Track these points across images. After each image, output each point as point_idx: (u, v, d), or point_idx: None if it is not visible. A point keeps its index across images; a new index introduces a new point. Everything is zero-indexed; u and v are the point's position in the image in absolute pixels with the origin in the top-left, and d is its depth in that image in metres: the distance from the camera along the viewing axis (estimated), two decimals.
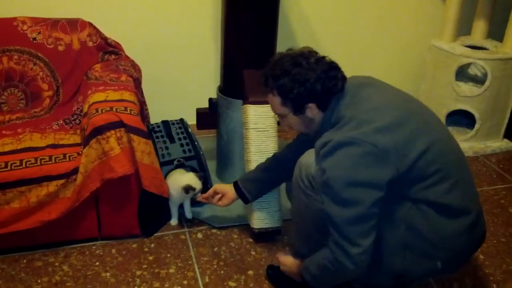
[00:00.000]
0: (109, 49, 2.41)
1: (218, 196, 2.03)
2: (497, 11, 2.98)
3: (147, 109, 2.48)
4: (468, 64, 2.90)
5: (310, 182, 1.56)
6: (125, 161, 1.90)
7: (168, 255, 2.04)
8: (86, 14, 2.42)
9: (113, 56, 2.42)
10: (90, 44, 2.36)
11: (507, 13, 2.82)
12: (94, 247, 2.06)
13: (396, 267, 1.54)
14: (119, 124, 1.88)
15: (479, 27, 3.01)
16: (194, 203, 2.21)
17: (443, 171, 1.47)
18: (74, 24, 2.35)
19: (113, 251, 2.05)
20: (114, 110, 1.92)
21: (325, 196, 1.46)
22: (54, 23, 2.33)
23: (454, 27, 2.92)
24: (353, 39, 3.04)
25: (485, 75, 2.79)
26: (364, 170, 1.40)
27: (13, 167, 1.87)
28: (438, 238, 1.50)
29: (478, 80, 2.90)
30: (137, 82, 2.32)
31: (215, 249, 2.08)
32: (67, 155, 1.97)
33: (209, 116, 2.48)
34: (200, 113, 2.53)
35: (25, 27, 2.29)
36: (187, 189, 2.05)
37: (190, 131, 2.37)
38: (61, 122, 2.24)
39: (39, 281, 1.88)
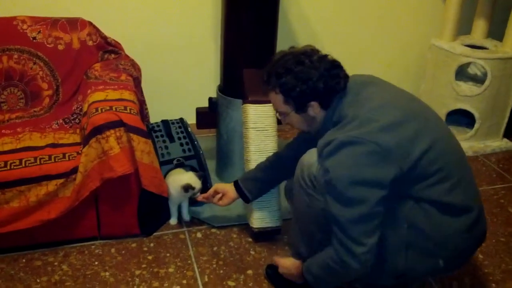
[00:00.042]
0: (109, 48, 2.41)
1: (219, 195, 2.02)
2: (497, 10, 2.98)
3: (146, 109, 2.48)
4: (468, 64, 2.90)
5: (312, 181, 1.56)
6: (124, 161, 1.90)
7: (168, 254, 2.04)
8: (86, 14, 2.42)
9: (112, 55, 2.42)
10: (90, 43, 2.36)
11: (507, 12, 2.81)
12: (93, 246, 2.07)
13: (399, 266, 1.54)
14: (118, 124, 1.88)
15: (479, 26, 3.01)
16: (194, 202, 2.21)
17: (445, 170, 1.47)
18: (74, 23, 2.35)
19: (113, 250, 2.05)
20: (114, 109, 1.92)
21: (329, 195, 1.45)
22: (54, 22, 2.33)
23: (454, 26, 2.92)
24: (353, 39, 3.04)
25: (485, 75, 2.79)
26: (368, 169, 1.40)
27: (12, 167, 1.87)
28: (441, 237, 1.50)
29: (478, 80, 2.90)
30: (137, 81, 2.32)
31: (215, 248, 2.08)
32: (67, 155, 1.97)
33: (209, 116, 2.48)
34: (200, 112, 2.53)
35: (25, 26, 2.29)
36: (187, 188, 2.05)
37: (189, 130, 2.37)
38: (61, 121, 2.24)
39: (38, 280, 1.88)
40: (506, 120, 2.98)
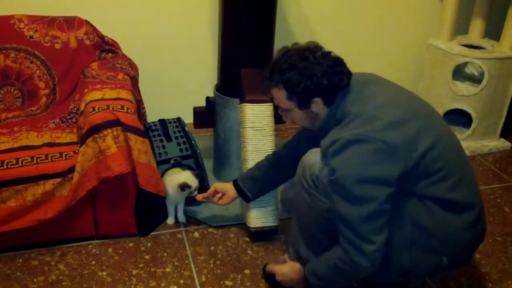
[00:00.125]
0: (106, 48, 2.41)
1: (219, 195, 2.02)
2: (494, 10, 2.98)
3: (144, 108, 2.48)
4: (465, 63, 2.90)
5: (314, 181, 1.56)
6: (121, 160, 1.89)
7: (165, 254, 2.04)
8: (84, 13, 2.42)
9: (110, 55, 2.41)
10: (87, 42, 2.36)
11: (504, 12, 2.82)
12: (90, 246, 2.06)
13: (404, 263, 1.54)
14: (115, 123, 1.88)
15: (476, 26, 3.01)
16: (191, 202, 2.21)
17: (447, 168, 1.48)
18: (71, 22, 2.34)
19: (110, 250, 2.04)
20: (111, 108, 1.91)
21: (336, 195, 1.45)
22: (51, 21, 2.32)
23: (452, 26, 2.92)
24: (352, 39, 3.04)
25: (482, 74, 2.79)
26: (375, 166, 1.40)
27: (9, 166, 1.87)
28: (444, 234, 1.51)
29: (475, 79, 2.91)
30: (134, 80, 2.32)
31: (212, 248, 2.08)
32: (64, 154, 1.97)
33: (206, 115, 2.48)
34: (197, 111, 2.53)
35: (22, 25, 2.29)
36: (183, 186, 2.05)
37: (187, 129, 2.37)
38: (58, 120, 2.24)
39: (35, 280, 1.88)
40: (503, 120, 2.98)
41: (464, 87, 2.86)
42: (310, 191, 1.58)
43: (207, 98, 2.46)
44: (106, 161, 1.87)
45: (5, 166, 1.86)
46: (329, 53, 1.57)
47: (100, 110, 1.90)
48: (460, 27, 3.01)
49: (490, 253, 2.11)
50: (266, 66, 1.63)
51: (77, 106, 2.22)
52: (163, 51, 2.75)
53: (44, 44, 2.30)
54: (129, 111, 1.93)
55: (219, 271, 1.96)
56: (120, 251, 2.04)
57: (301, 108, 1.59)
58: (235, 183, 1.99)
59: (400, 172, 1.41)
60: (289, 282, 1.77)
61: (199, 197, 2.07)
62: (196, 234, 2.16)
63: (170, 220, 2.21)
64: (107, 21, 2.51)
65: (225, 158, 2.43)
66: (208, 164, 2.44)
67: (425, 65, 3.06)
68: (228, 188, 2.00)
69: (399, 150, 1.40)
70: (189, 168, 2.20)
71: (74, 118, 2.24)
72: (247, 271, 1.96)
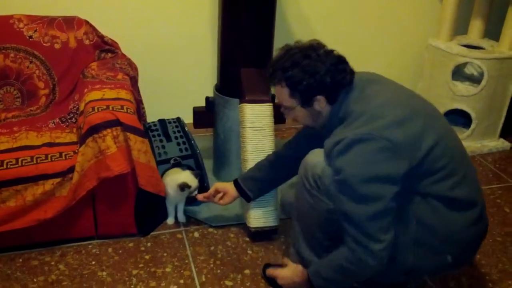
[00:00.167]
0: (105, 47, 2.40)
1: (220, 194, 2.02)
2: (494, 10, 2.99)
3: (143, 108, 2.48)
4: (465, 64, 2.90)
5: (316, 182, 1.56)
6: (121, 160, 1.89)
7: (165, 254, 2.03)
8: (83, 13, 2.42)
9: (109, 55, 2.41)
10: (87, 42, 2.36)
11: (504, 12, 2.82)
12: (90, 246, 2.06)
13: (408, 263, 1.54)
14: (115, 123, 1.88)
15: (476, 26, 3.01)
16: (191, 201, 2.21)
17: (451, 166, 1.48)
18: (70, 22, 2.34)
19: (110, 250, 2.04)
20: (111, 108, 1.91)
21: (342, 195, 1.45)
22: (50, 21, 2.32)
23: (451, 26, 2.92)
24: (352, 39, 3.04)
25: (481, 75, 2.79)
26: (381, 165, 1.41)
27: (9, 166, 1.86)
28: (448, 232, 1.51)
29: (475, 80, 2.91)
30: (134, 80, 2.31)
31: (212, 248, 2.08)
32: (63, 154, 1.97)
33: (206, 115, 2.48)
34: (197, 111, 2.53)
35: (21, 25, 2.28)
36: (183, 186, 2.05)
37: (186, 129, 2.37)
38: (57, 120, 2.24)
39: (35, 280, 1.88)
40: (502, 120, 2.98)
41: (463, 87, 2.86)
42: (312, 192, 1.58)
43: (207, 98, 2.46)
44: (106, 161, 1.87)
45: (5, 166, 1.86)
46: (332, 51, 1.58)
47: (100, 110, 1.90)
48: (460, 27, 3.01)
49: (490, 253, 2.11)
50: (268, 63, 1.62)
51: (77, 106, 2.21)
52: (163, 51, 2.75)
53: (44, 44, 2.30)
54: (128, 111, 1.93)
55: (219, 271, 1.96)
56: (120, 251, 2.04)
57: (303, 106, 1.59)
58: (236, 183, 1.98)
59: (405, 170, 1.41)
60: (292, 285, 1.76)
61: (200, 197, 2.06)
62: (196, 234, 2.16)
63: (170, 220, 2.21)
64: (107, 21, 2.51)
65: (224, 158, 2.43)
66: (208, 164, 2.44)
67: (424, 65, 3.06)
68: (229, 187, 2.00)
69: (403, 148, 1.41)
70: (189, 168, 2.20)
71: (73, 118, 2.23)
72: (247, 271, 1.96)
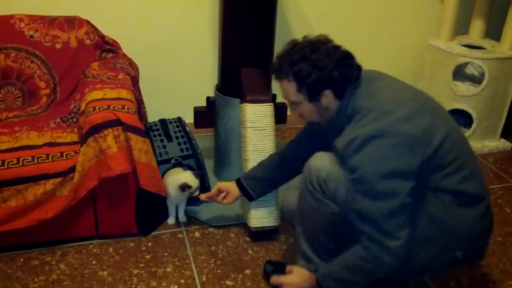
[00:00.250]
0: (106, 47, 2.41)
1: (223, 194, 2.01)
2: (495, 10, 2.98)
3: (144, 108, 2.48)
4: (466, 64, 2.90)
5: (321, 186, 1.55)
6: (122, 160, 1.89)
7: (165, 254, 2.04)
8: (84, 13, 2.42)
9: (110, 54, 2.41)
10: (88, 42, 2.36)
11: (505, 12, 2.82)
12: (91, 245, 2.06)
13: (420, 260, 1.54)
14: (116, 123, 1.88)
15: (477, 26, 3.01)
16: (191, 201, 2.21)
17: (460, 160, 1.48)
18: (71, 22, 2.34)
19: (110, 249, 2.04)
20: (112, 108, 1.91)
21: (358, 193, 1.44)
22: (51, 21, 2.32)
23: (452, 26, 2.92)
24: (352, 39, 3.00)
25: (482, 75, 2.79)
26: (397, 160, 1.40)
27: (10, 165, 1.86)
28: (458, 227, 1.51)
29: (475, 80, 2.91)
30: (135, 80, 2.32)
31: (212, 248, 2.08)
32: (64, 154, 1.97)
33: (206, 115, 2.48)
34: (197, 111, 2.53)
35: (22, 25, 2.29)
36: (183, 187, 2.05)
37: (187, 129, 2.37)
38: (58, 120, 2.24)
39: (36, 279, 1.88)
40: (503, 120, 2.98)
41: (464, 87, 2.86)
42: (317, 196, 1.57)
43: (208, 98, 2.46)
44: (107, 160, 1.87)
45: (6, 166, 1.86)
46: (339, 46, 1.57)
47: (101, 110, 1.90)
48: (461, 27, 3.01)
49: (491, 254, 2.10)
50: (275, 57, 1.60)
51: (78, 106, 2.22)
52: (164, 51, 2.75)
53: (45, 44, 2.30)
54: (129, 111, 1.93)
55: (219, 271, 1.96)
56: (121, 251, 2.04)
57: (310, 101, 1.57)
58: (238, 182, 1.98)
59: (419, 165, 1.41)
60: None
61: (203, 196, 2.06)
62: (197, 234, 2.16)
63: (171, 220, 2.21)
64: (108, 21, 2.51)
65: (225, 158, 2.43)
66: (209, 164, 2.44)
67: (425, 65, 3.06)
68: (232, 187, 1.99)
69: (416, 142, 1.41)
70: (190, 168, 2.20)
71: (74, 118, 2.24)
72: (247, 271, 1.96)
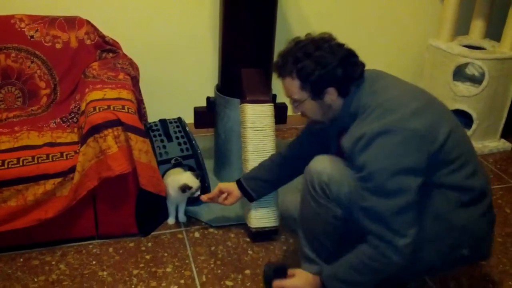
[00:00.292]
0: (106, 47, 2.41)
1: (224, 195, 2.01)
2: (495, 11, 2.99)
3: (144, 108, 2.48)
4: (466, 64, 2.90)
5: (324, 190, 1.54)
6: (122, 160, 1.89)
7: (165, 254, 2.04)
8: (84, 13, 2.42)
9: (110, 54, 2.41)
10: (88, 42, 2.36)
11: (505, 12, 2.82)
12: (91, 246, 2.06)
13: (428, 259, 1.53)
14: (116, 123, 1.88)
15: (477, 26, 3.01)
16: (191, 202, 2.21)
17: (464, 156, 1.48)
18: (71, 22, 2.35)
19: (110, 250, 2.04)
20: (112, 108, 1.91)
21: (366, 191, 1.43)
22: (51, 21, 2.32)
23: (452, 26, 2.92)
24: (352, 39, 2.99)
25: (482, 75, 2.79)
26: (405, 157, 1.39)
27: (10, 165, 1.87)
28: (464, 223, 1.50)
29: (476, 80, 2.91)
30: (135, 80, 2.32)
31: (212, 248, 2.08)
32: (64, 154, 1.97)
33: (207, 115, 2.48)
34: (198, 112, 2.53)
35: (22, 25, 2.29)
36: (184, 188, 2.05)
37: (187, 130, 2.37)
38: (59, 120, 2.24)
39: (35, 279, 1.88)
40: (503, 120, 2.98)
41: (464, 88, 2.86)
42: (319, 200, 1.56)
43: (208, 98, 2.46)
44: (107, 161, 1.87)
45: (6, 166, 1.86)
46: (342, 44, 1.56)
47: (101, 110, 1.90)
48: (461, 27, 3.01)
49: None
50: (278, 55, 1.59)
51: (78, 106, 2.22)
52: (164, 51, 2.75)
53: (45, 44, 2.30)
54: (129, 111, 1.93)
55: (219, 271, 1.96)
56: (121, 251, 2.04)
57: (314, 99, 1.56)
58: (238, 183, 1.98)
59: (426, 160, 1.40)
60: None
61: (204, 198, 2.05)
62: (197, 234, 2.16)
63: (171, 220, 2.21)
64: (108, 21, 2.51)
65: (225, 158, 2.43)
66: (209, 164, 2.44)
67: (425, 66, 3.06)
68: (233, 188, 1.99)
69: (422, 138, 1.40)
70: (190, 168, 2.20)
71: (75, 118, 2.24)
72: (247, 271, 1.96)
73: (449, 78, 2.86)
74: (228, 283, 1.90)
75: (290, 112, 2.32)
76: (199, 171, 2.19)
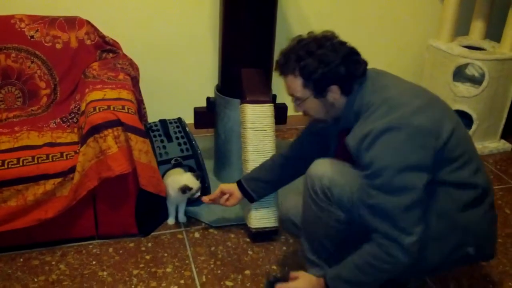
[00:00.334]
0: (107, 48, 2.41)
1: (226, 196, 2.00)
2: (495, 11, 2.99)
3: (144, 108, 2.48)
4: (466, 65, 2.90)
5: (326, 194, 1.54)
6: (122, 160, 1.89)
7: (165, 254, 2.04)
8: (84, 13, 2.42)
9: (111, 55, 2.41)
10: (88, 42, 2.36)
11: (505, 13, 2.82)
12: (91, 246, 2.06)
13: (434, 258, 1.52)
14: (116, 123, 1.88)
15: (477, 27, 3.01)
16: (191, 202, 2.21)
17: (467, 154, 1.48)
18: (72, 22, 2.34)
19: (110, 250, 2.04)
20: (112, 108, 1.91)
21: (373, 189, 1.42)
22: (51, 21, 2.32)
23: (452, 27, 2.92)
24: (352, 39, 3.00)
25: (482, 76, 2.79)
26: (412, 153, 1.39)
27: (10, 165, 1.87)
28: (468, 221, 1.50)
29: (476, 81, 2.91)
30: (135, 80, 2.32)
31: (212, 248, 2.08)
32: (64, 154, 1.97)
33: (207, 115, 2.48)
34: (198, 112, 2.53)
35: (22, 25, 2.29)
36: (184, 189, 2.05)
37: (187, 130, 2.37)
38: (59, 120, 2.24)
39: (35, 280, 1.88)
40: (503, 121, 2.98)
41: (464, 88, 2.86)
42: (321, 204, 1.55)
43: (208, 99, 2.46)
44: (107, 161, 1.87)
45: (6, 166, 1.86)
46: (345, 42, 1.56)
47: (101, 110, 1.90)
48: (461, 28, 3.01)
49: None
50: (280, 54, 1.58)
51: (78, 106, 2.22)
52: (164, 51, 2.75)
53: (45, 44, 2.30)
54: (130, 111, 1.93)
55: (219, 271, 1.96)
56: (121, 251, 2.04)
57: (316, 97, 1.55)
58: (239, 184, 1.98)
59: (432, 157, 1.40)
60: None
61: (206, 199, 2.04)
62: (197, 235, 2.16)
63: (171, 221, 2.21)
64: (108, 21, 2.51)
65: (225, 158, 2.43)
66: (209, 165, 2.44)
67: (425, 66, 3.06)
68: (234, 189, 1.98)
69: (428, 134, 1.40)
70: (190, 168, 2.20)
71: (75, 118, 2.24)
72: (247, 272, 1.96)
73: (449, 79, 2.86)
74: (228, 283, 1.90)
75: (290, 112, 2.32)
76: (199, 171, 2.19)
